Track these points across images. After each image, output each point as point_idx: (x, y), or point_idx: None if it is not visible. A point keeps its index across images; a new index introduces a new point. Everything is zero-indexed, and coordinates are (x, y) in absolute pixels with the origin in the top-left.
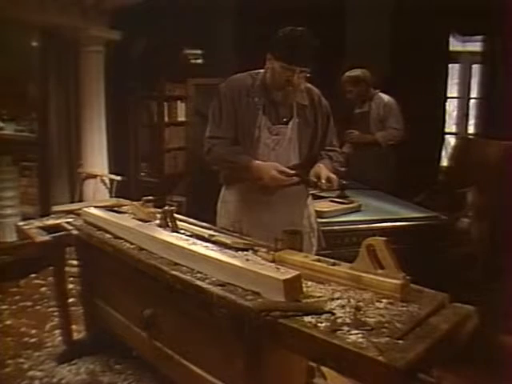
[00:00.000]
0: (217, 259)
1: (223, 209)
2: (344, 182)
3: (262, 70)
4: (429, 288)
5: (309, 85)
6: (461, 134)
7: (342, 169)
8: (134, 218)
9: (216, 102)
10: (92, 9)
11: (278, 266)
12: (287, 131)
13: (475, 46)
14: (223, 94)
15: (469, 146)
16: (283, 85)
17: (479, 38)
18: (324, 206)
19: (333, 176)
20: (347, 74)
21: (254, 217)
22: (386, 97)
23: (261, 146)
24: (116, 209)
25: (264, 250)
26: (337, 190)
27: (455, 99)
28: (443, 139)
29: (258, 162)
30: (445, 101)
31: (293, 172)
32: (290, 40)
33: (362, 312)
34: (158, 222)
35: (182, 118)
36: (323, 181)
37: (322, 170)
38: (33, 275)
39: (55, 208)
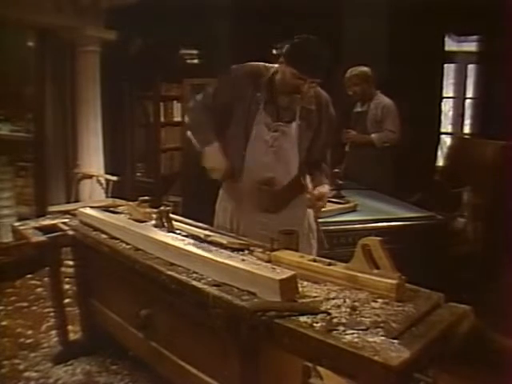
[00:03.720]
0: (212, 259)
1: (222, 207)
2: (340, 182)
3: (274, 65)
4: (424, 288)
5: (319, 89)
6: (456, 134)
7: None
8: (129, 219)
9: (219, 81)
10: (88, 8)
11: (274, 266)
12: (287, 130)
13: (471, 45)
14: (229, 77)
15: (464, 145)
16: (291, 91)
17: (475, 37)
18: None
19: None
20: (355, 69)
21: (251, 217)
22: (385, 98)
23: (260, 142)
24: (112, 209)
25: (260, 250)
26: (333, 189)
27: (451, 99)
28: (439, 139)
29: (210, 149)
30: (440, 101)
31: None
32: (307, 51)
33: (357, 312)
34: (153, 222)
35: (178, 118)
36: (320, 203)
37: (326, 196)
38: (29, 276)
39: (51, 208)
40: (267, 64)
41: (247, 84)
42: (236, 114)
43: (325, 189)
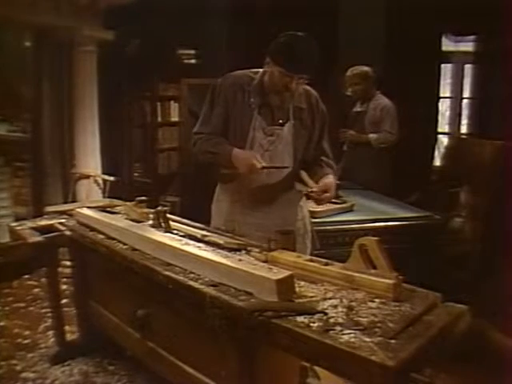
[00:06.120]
0: (210, 259)
1: (217, 208)
2: (337, 182)
3: (260, 70)
4: (421, 287)
5: (307, 87)
6: (453, 134)
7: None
8: (126, 219)
9: (209, 98)
10: (85, 9)
11: (271, 266)
12: (282, 133)
13: (468, 45)
14: (218, 90)
15: (462, 145)
16: (281, 90)
17: (472, 37)
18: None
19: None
20: (356, 68)
21: (247, 216)
22: (385, 99)
23: (255, 147)
24: (109, 209)
25: (257, 250)
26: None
27: (448, 99)
28: (436, 139)
29: (237, 149)
30: (437, 101)
31: (271, 166)
32: (291, 47)
33: (354, 312)
34: (151, 222)
35: (175, 118)
36: (327, 194)
37: (332, 186)
38: (26, 276)
39: (48, 209)
40: (253, 70)
41: (237, 92)
42: (232, 122)
43: (329, 179)
